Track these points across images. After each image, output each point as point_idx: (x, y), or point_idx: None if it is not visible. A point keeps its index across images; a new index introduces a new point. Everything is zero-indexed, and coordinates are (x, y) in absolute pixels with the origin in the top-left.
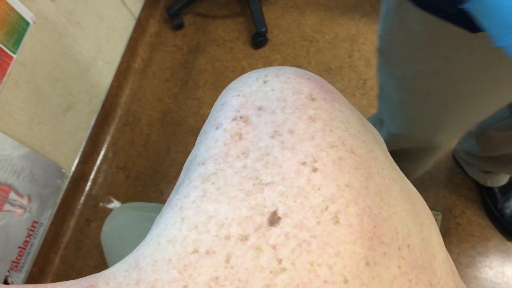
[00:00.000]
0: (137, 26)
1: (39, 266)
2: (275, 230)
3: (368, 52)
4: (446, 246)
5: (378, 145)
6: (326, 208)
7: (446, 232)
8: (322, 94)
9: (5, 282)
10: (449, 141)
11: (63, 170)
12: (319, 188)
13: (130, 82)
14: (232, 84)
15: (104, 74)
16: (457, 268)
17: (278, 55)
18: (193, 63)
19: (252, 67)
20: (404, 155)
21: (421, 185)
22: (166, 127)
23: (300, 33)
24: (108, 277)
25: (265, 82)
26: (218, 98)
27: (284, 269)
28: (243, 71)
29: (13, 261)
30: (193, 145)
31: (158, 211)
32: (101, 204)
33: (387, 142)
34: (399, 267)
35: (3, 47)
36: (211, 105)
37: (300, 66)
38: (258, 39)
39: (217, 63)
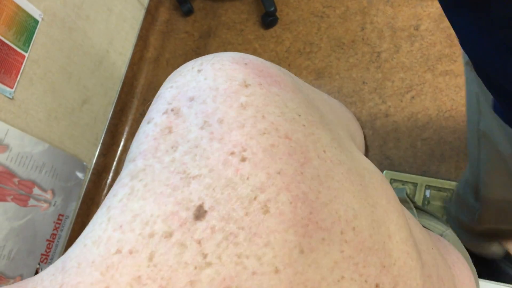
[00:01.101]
0: (147, 15)
1: None
2: (201, 224)
3: (381, 23)
4: None
5: (324, 127)
6: (255, 198)
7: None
8: (258, 79)
9: (36, 274)
10: None
11: (85, 163)
12: (247, 178)
13: (144, 71)
14: (170, 76)
15: (118, 66)
16: None
17: (289, 34)
18: (205, 48)
19: (264, 48)
20: None
21: (441, 156)
22: None
23: (310, 10)
24: (36, 281)
25: (199, 71)
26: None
27: (209, 264)
28: (255, 53)
29: (43, 254)
30: None
31: None
32: None
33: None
34: (341, 251)
35: (14, 46)
36: None
37: (312, 43)
38: (268, 19)
39: (228, 46)
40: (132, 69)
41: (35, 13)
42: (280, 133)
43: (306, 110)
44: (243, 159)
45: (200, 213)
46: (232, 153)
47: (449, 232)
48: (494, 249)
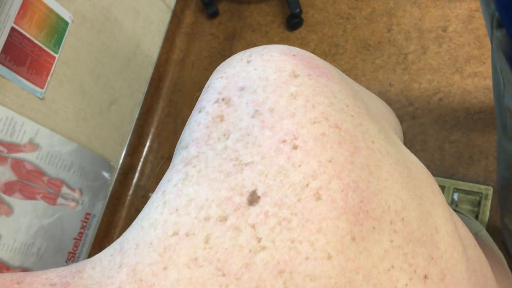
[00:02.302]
0: (173, 17)
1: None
2: (254, 209)
3: (408, 25)
4: (499, 221)
5: (371, 119)
6: (307, 185)
7: (498, 207)
8: (307, 70)
9: None
10: None
11: (111, 163)
12: (299, 165)
13: (170, 73)
14: (219, 67)
15: (144, 67)
16: None
17: (315, 36)
18: (230, 50)
19: None
20: None
21: (469, 159)
22: None
23: (336, 11)
24: (95, 262)
25: (248, 62)
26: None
27: (263, 248)
28: None
29: (70, 252)
30: None
31: None
32: (149, 194)
33: None
34: (391, 241)
35: (45, 48)
36: None
37: (337, 45)
38: (293, 21)
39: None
40: (158, 71)
41: (65, 15)
42: (330, 123)
43: (353, 101)
44: (295, 147)
45: (253, 199)
46: (284, 141)
47: (484, 232)
48: None
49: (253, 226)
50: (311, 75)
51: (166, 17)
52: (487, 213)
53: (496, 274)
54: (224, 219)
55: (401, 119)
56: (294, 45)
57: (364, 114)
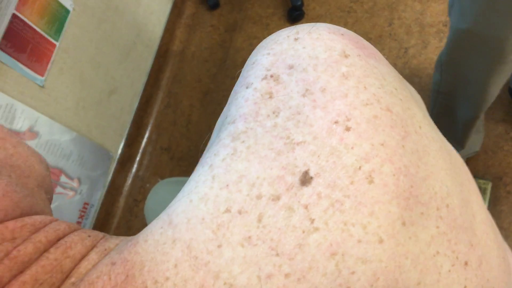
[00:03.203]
0: (174, 8)
1: None
2: (307, 190)
3: (409, 19)
4: (496, 215)
5: (416, 103)
6: (360, 167)
7: (496, 201)
8: (356, 50)
9: None
10: None
11: (110, 153)
12: (352, 148)
13: (170, 64)
14: (263, 43)
15: (144, 58)
16: (509, 237)
17: None
18: (230, 42)
19: None
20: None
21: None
22: (206, 107)
23: (337, 4)
24: (146, 234)
25: (296, 39)
26: (249, 57)
27: (317, 229)
28: None
29: None
30: None
31: None
32: (148, 185)
33: (452, 43)
34: (437, 227)
35: (46, 35)
36: None
37: None
38: (294, 13)
39: (254, 40)
40: (158, 61)
41: (67, 2)
42: (382, 105)
43: (400, 84)
44: (347, 129)
45: (306, 179)
46: (336, 122)
47: None
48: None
49: (306, 207)
50: (360, 55)
51: (166, 7)
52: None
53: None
54: (276, 198)
55: None
56: None
57: (410, 98)
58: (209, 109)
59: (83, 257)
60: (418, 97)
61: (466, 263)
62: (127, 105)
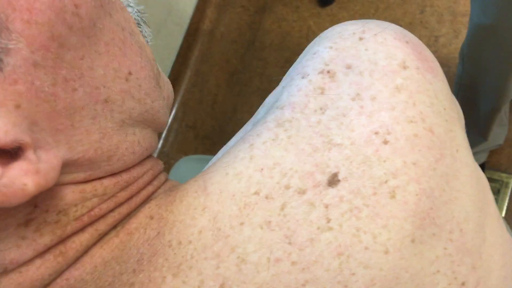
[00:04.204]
0: None
1: None
2: (332, 191)
3: (441, 7)
4: None
5: (459, 124)
6: (386, 181)
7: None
8: (416, 62)
9: None
10: None
11: None
12: (384, 161)
13: (199, 43)
14: (327, 33)
15: (174, 36)
16: None
17: (346, 13)
18: (260, 24)
19: (319, 26)
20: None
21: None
22: (232, 88)
23: None
24: (183, 194)
25: (361, 39)
26: (310, 44)
27: (330, 228)
28: (309, 30)
29: None
30: (259, 105)
31: None
32: (172, 161)
33: (473, 38)
34: (445, 248)
35: None
36: (277, 66)
37: None
38: None
39: (283, 23)
40: (188, 40)
41: None
42: (425, 125)
43: (449, 104)
44: (385, 142)
45: (333, 180)
46: (377, 133)
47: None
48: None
49: (327, 206)
50: (419, 68)
51: None
52: (506, 201)
53: None
54: (302, 192)
55: None
56: (324, 22)
57: (456, 119)
58: (235, 89)
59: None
60: (461, 114)
61: (463, 284)
62: None
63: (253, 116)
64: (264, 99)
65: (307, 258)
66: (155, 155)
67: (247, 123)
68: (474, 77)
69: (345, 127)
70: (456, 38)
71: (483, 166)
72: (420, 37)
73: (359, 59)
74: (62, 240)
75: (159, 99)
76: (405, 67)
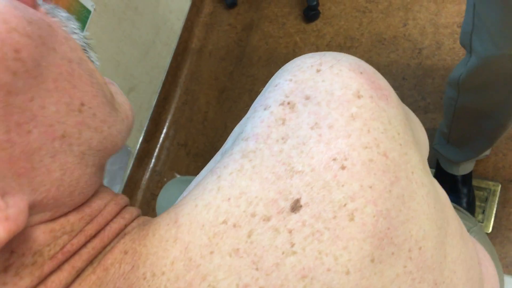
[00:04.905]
0: (192, 7)
1: None
2: (295, 216)
3: (424, 20)
4: (505, 217)
5: (415, 147)
6: (345, 205)
7: (506, 203)
8: (370, 91)
9: None
10: None
11: (129, 148)
12: (343, 185)
13: (188, 62)
14: (288, 66)
15: (163, 56)
16: None
17: (331, 28)
18: (247, 41)
19: (305, 42)
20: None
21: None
22: (222, 105)
23: (353, 4)
24: (155, 227)
25: (318, 71)
26: (273, 77)
27: (294, 252)
28: (295, 46)
29: None
30: None
31: None
32: (165, 179)
33: (479, 69)
34: (404, 266)
35: None
36: (265, 81)
37: (352, 38)
38: (310, 13)
39: (270, 39)
40: (176, 59)
41: (88, 3)
42: (380, 150)
43: (404, 128)
44: (343, 167)
45: (296, 206)
46: (334, 159)
47: (477, 228)
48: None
49: (290, 232)
50: (373, 97)
51: (185, 6)
52: (494, 209)
53: (484, 272)
54: (267, 219)
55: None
56: (310, 38)
57: (411, 142)
58: (225, 106)
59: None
60: (421, 134)
61: None
62: (145, 102)
63: (222, 146)
64: None
65: (273, 282)
66: (148, 173)
67: (217, 153)
68: (476, 103)
69: (305, 155)
70: (439, 50)
71: (470, 175)
72: (404, 50)
73: (316, 90)
74: (42, 281)
75: (117, 123)
76: (359, 96)
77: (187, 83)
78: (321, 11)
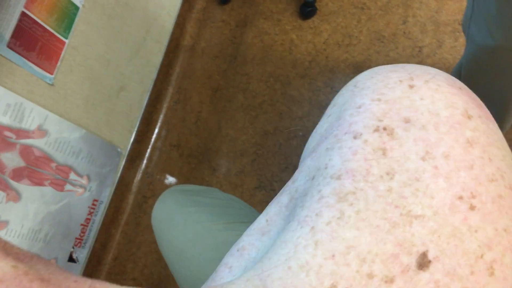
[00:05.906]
0: (185, 2)
1: (101, 241)
2: (424, 275)
3: (424, 17)
4: None
5: None
6: (482, 256)
7: None
8: (477, 111)
9: (70, 257)
10: None
11: (119, 150)
12: (476, 231)
13: (180, 60)
14: (367, 82)
15: (154, 54)
16: None
17: (328, 26)
18: (241, 38)
19: (301, 39)
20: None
21: None
22: (216, 104)
23: (351, 1)
24: None
25: (411, 86)
26: (345, 95)
27: None
28: (292, 44)
29: (77, 238)
30: (244, 121)
31: (205, 194)
32: (157, 182)
33: (476, 60)
34: None
35: (55, 33)
36: (260, 80)
37: (351, 36)
38: (307, 10)
39: (265, 36)
40: (168, 57)
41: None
42: (505, 182)
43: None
44: (472, 208)
45: (424, 262)
46: (460, 198)
47: None
48: None
49: None
50: (482, 117)
51: (177, 2)
52: None
53: None
54: (390, 280)
55: None
56: (306, 35)
57: None
58: (218, 106)
59: None
60: None
61: None
62: (136, 102)
63: (286, 186)
64: (249, 114)
65: None
66: (139, 174)
67: (276, 196)
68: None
69: (422, 194)
70: (440, 48)
71: None
72: (403, 48)
73: (416, 110)
74: None
75: None
76: (469, 117)
77: (179, 82)
78: (318, 7)
